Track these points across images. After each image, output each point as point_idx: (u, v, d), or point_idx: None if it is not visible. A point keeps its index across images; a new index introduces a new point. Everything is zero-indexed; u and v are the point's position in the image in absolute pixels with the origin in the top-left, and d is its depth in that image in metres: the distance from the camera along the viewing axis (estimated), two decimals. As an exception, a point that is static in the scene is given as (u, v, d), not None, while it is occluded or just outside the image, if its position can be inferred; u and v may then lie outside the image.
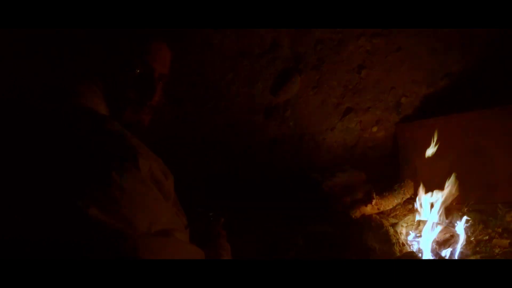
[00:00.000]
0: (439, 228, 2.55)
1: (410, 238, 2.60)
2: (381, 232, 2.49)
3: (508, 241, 2.48)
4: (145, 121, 1.36)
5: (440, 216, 2.65)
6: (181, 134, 3.08)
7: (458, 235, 2.50)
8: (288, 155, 3.37)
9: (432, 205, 2.69)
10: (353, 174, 3.18)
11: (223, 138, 3.23)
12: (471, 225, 2.66)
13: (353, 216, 2.68)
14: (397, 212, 2.84)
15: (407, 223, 2.69)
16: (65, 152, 0.97)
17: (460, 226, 2.63)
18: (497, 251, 2.44)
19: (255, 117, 3.16)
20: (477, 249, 2.48)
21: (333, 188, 3.10)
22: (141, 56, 1.30)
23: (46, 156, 0.97)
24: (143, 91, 1.30)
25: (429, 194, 2.74)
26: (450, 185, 2.67)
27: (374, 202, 2.69)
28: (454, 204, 2.76)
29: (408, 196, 2.89)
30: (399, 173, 3.13)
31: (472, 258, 2.39)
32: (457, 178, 2.71)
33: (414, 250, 2.48)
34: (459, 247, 2.43)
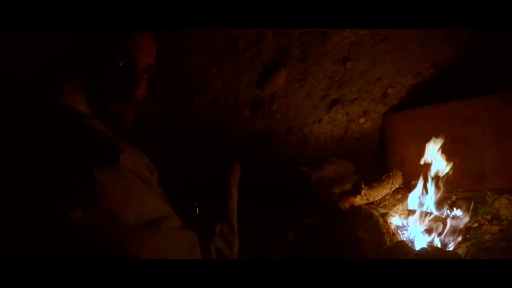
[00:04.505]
0: (429, 216, 2.56)
1: (400, 227, 2.60)
2: (371, 223, 2.48)
3: (498, 227, 2.50)
4: (129, 118, 1.28)
5: (430, 204, 2.66)
6: (166, 130, 3.04)
7: (447, 223, 2.51)
8: (276, 149, 3.35)
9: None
10: (342, 166, 3.17)
11: (209, 133, 3.20)
12: (461, 213, 2.68)
13: (342, 208, 2.67)
14: (387, 202, 2.84)
15: (397, 213, 2.68)
16: (43, 153, 0.94)
17: (450, 214, 2.65)
18: (487, 237, 2.45)
19: (241, 111, 3.14)
20: (467, 236, 2.49)
21: (322, 180, 3.08)
22: (123, 47, 1.21)
23: (24, 159, 0.94)
24: (126, 85, 1.22)
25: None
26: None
27: (363, 193, 2.68)
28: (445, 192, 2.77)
29: (397, 186, 2.88)
30: (387, 164, 3.12)
31: (462, 245, 2.40)
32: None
33: (405, 239, 2.47)
34: (449, 235, 2.44)
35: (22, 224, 0.89)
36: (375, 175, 2.98)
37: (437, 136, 2.91)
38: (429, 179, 2.76)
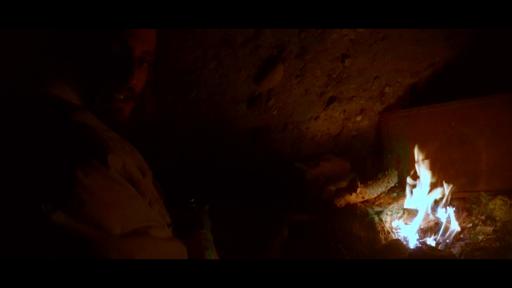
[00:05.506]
0: (424, 216, 2.56)
1: (394, 225, 2.60)
2: (366, 221, 2.48)
3: (492, 228, 2.51)
4: (125, 111, 1.18)
5: (425, 203, 2.66)
6: (163, 124, 3.02)
7: (442, 223, 2.51)
8: (272, 145, 3.34)
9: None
10: (338, 163, 3.17)
11: (205, 128, 3.18)
12: (455, 213, 2.69)
13: (337, 205, 2.67)
14: (382, 201, 2.84)
15: (392, 211, 2.68)
16: (26, 149, 0.88)
17: (445, 214, 2.65)
18: (481, 238, 2.46)
19: (238, 106, 3.12)
20: (461, 236, 2.50)
21: (317, 177, 3.09)
22: (116, 32, 1.10)
23: (5, 155, 0.88)
24: (119, 73, 1.12)
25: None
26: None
27: (358, 190, 2.68)
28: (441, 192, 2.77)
29: (392, 184, 2.89)
30: (383, 162, 3.12)
31: (456, 244, 2.40)
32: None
33: (400, 238, 2.47)
34: (443, 235, 2.44)
35: (1, 225, 0.84)
36: (370, 173, 2.98)
37: (433, 136, 2.91)
38: (425, 178, 2.75)
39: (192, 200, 1.77)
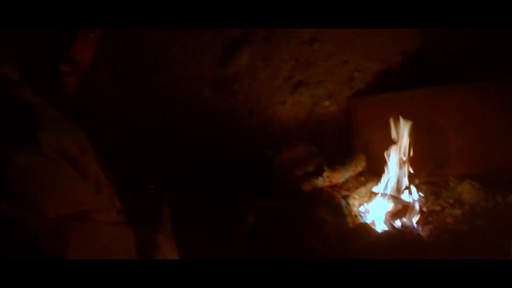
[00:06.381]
0: (392, 199, 2.53)
1: (362, 209, 2.56)
2: (333, 205, 2.45)
3: (461, 211, 2.51)
4: (69, 86, 1.09)
5: (394, 187, 2.64)
6: (125, 110, 2.90)
7: (410, 206, 2.48)
8: (239, 130, 3.25)
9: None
10: (306, 149, 3.11)
11: (170, 113, 3.08)
12: (424, 197, 2.69)
13: (304, 190, 2.61)
14: (350, 185, 2.82)
15: (360, 195, 2.65)
16: None
17: (413, 198, 2.64)
18: (449, 221, 2.46)
19: (203, 90, 3.02)
20: (430, 219, 2.48)
21: (285, 162, 3.03)
22: None
23: None
24: (59, 43, 1.02)
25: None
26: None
27: (325, 175, 2.63)
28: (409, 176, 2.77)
29: (361, 169, 2.86)
30: (351, 147, 3.08)
31: (425, 228, 2.37)
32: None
33: (368, 222, 2.43)
34: (411, 218, 2.42)
35: None
36: (339, 158, 2.93)
37: (403, 120, 2.89)
38: (393, 163, 2.72)
39: (151, 186, 1.73)
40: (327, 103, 3.20)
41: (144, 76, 2.88)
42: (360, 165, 2.84)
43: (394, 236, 2.15)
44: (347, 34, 2.96)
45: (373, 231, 2.27)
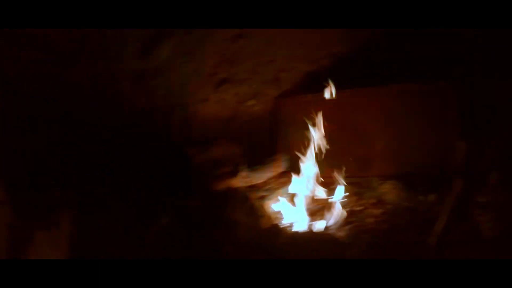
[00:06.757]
0: (312, 200, 2.47)
1: (281, 209, 2.47)
2: (247, 205, 2.36)
3: (381, 211, 2.51)
4: None
5: (313, 188, 2.57)
6: (38, 107, 2.66)
7: (329, 206, 2.42)
8: (159, 127, 3.08)
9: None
10: (228, 148, 3.00)
11: (85, 109, 2.86)
12: (346, 197, 2.67)
13: (220, 190, 2.50)
14: (271, 186, 2.74)
15: (279, 196, 2.58)
16: None
17: (333, 198, 2.62)
18: (369, 220, 2.44)
19: (121, 84, 2.83)
20: (350, 219, 2.44)
21: (205, 162, 2.91)
22: None
23: None
24: None
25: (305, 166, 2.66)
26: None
27: (242, 175, 2.53)
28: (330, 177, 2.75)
29: (281, 170, 2.78)
30: (275, 147, 2.99)
31: (344, 228, 2.30)
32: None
33: (284, 222, 2.34)
34: (332, 218, 2.35)
35: None
36: (262, 158, 2.83)
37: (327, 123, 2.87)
38: (314, 163, 2.67)
39: (53, 183, 1.63)
40: (252, 102, 3.11)
41: (57, 70, 2.67)
42: (281, 166, 2.76)
43: (309, 237, 2.07)
44: (273, 33, 2.88)
45: (288, 232, 2.18)
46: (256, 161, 2.76)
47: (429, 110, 2.80)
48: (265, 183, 2.75)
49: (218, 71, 2.97)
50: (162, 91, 2.93)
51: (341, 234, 2.25)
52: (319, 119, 2.81)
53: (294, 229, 2.29)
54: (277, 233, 2.15)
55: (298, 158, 2.72)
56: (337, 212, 2.42)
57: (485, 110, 2.74)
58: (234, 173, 2.58)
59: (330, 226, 2.32)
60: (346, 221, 2.40)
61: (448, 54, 2.88)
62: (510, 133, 2.45)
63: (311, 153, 2.70)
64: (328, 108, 2.93)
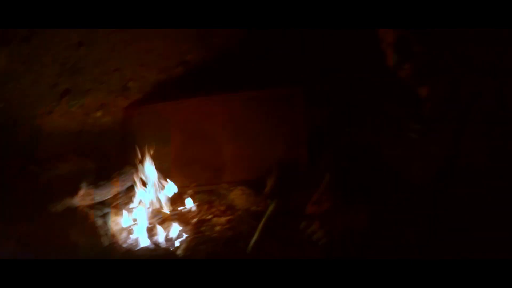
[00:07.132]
0: (156, 213, 2.44)
1: (126, 225, 2.41)
2: (87, 225, 2.26)
3: (226, 218, 2.51)
4: None
5: (156, 200, 2.54)
6: None
7: (174, 218, 2.41)
8: (3, 143, 2.86)
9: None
10: (78, 164, 2.87)
11: None
12: (197, 206, 2.64)
13: (54, 211, 2.37)
14: (120, 201, 2.64)
15: (128, 211, 2.51)
16: None
17: (183, 209, 2.60)
18: (217, 229, 2.42)
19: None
20: (201, 229, 2.43)
21: (54, 180, 2.75)
22: None
23: None
24: None
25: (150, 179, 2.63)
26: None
27: (82, 193, 2.43)
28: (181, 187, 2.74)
29: (129, 183, 2.70)
30: (127, 160, 2.91)
31: (194, 237, 2.29)
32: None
33: (127, 239, 2.29)
34: (170, 230, 2.33)
35: None
36: (109, 173, 2.74)
37: (176, 132, 2.86)
38: (153, 175, 2.65)
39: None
40: (99, 113, 2.99)
41: None
42: (130, 179, 2.69)
43: (144, 253, 2.04)
44: (117, 40, 2.80)
45: (122, 249, 2.13)
46: (103, 176, 2.65)
47: (277, 115, 2.86)
48: (114, 198, 2.66)
49: (60, 81, 2.82)
50: (3, 103, 2.73)
51: (180, 247, 2.23)
52: (168, 128, 2.78)
53: (135, 244, 2.25)
54: (112, 251, 2.10)
55: (144, 170, 2.67)
56: (184, 224, 2.41)
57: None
58: (73, 192, 2.46)
59: (170, 239, 2.30)
60: (196, 232, 2.37)
61: (299, 58, 2.96)
62: (346, 138, 2.53)
63: (152, 164, 2.66)
64: (178, 116, 2.92)
